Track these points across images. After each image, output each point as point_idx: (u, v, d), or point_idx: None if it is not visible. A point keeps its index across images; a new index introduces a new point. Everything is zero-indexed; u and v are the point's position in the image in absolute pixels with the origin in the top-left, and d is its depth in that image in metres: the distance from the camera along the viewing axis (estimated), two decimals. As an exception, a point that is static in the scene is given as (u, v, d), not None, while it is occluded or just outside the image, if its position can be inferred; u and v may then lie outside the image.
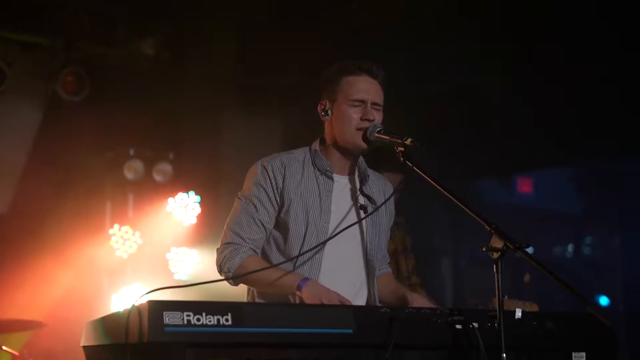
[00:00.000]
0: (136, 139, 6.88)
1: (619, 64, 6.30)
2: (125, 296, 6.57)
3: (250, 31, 6.64)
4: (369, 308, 3.10)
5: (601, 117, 6.84)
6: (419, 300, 3.19)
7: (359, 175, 3.31)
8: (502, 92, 6.87)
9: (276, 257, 3.19)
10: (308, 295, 2.96)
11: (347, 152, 3.24)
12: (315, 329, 2.54)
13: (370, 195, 3.31)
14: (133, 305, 2.41)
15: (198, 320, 2.37)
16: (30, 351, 5.63)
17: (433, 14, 6.12)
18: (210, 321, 2.39)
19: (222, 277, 3.14)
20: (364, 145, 3.17)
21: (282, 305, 2.91)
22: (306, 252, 3.12)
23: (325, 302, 2.91)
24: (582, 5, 5.91)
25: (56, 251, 6.35)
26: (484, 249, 2.64)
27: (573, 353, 2.97)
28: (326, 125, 3.28)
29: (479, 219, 2.73)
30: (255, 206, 3.18)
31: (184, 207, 6.96)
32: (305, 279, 3.03)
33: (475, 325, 2.71)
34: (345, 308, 2.78)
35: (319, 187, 3.21)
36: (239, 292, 3.29)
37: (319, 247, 3.14)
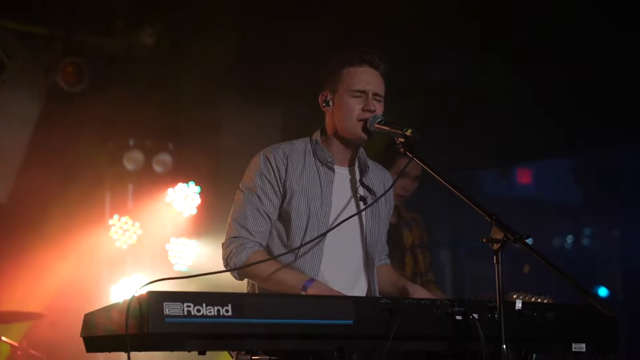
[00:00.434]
0: (136, 129, 6.87)
1: (618, 55, 6.28)
2: (125, 287, 6.57)
3: (250, 21, 6.63)
4: (369, 299, 3.10)
5: (600, 108, 6.84)
6: (419, 292, 3.19)
7: (359, 166, 3.31)
8: (501, 82, 6.86)
9: (278, 249, 3.19)
10: None
11: (348, 143, 3.24)
12: (315, 320, 2.54)
13: (370, 186, 3.31)
14: (133, 296, 2.40)
15: (198, 311, 2.37)
16: (30, 342, 5.64)
17: (433, 5, 6.11)
18: (210, 312, 2.39)
19: (224, 269, 3.14)
20: (364, 135, 3.17)
21: (282, 296, 2.90)
22: (308, 242, 3.12)
23: None
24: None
25: (55, 242, 6.35)
26: (484, 240, 2.64)
27: (573, 344, 2.98)
28: (327, 115, 3.27)
29: (479, 210, 2.73)
30: (259, 198, 3.17)
31: (184, 198, 6.96)
32: (311, 280, 3.02)
33: (476, 316, 2.72)
34: (345, 299, 2.78)
35: (320, 178, 3.21)
36: (239, 283, 3.29)
37: (320, 238, 3.14)
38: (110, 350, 2.57)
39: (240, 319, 2.42)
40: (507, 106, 7.09)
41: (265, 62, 6.76)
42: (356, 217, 3.21)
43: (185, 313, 2.35)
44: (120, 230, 6.76)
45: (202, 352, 2.60)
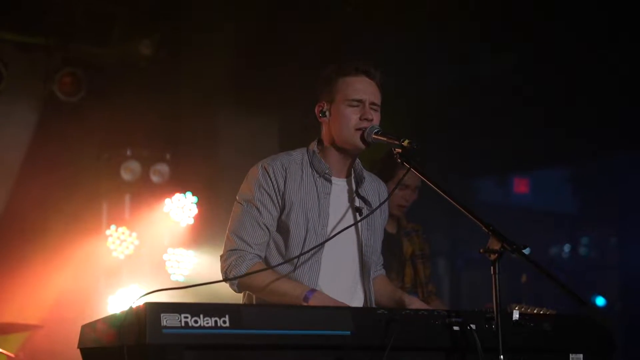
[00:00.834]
0: (133, 139, 6.87)
1: (617, 65, 6.31)
2: (122, 297, 6.56)
3: (247, 32, 6.64)
4: (366, 310, 3.10)
5: (597, 118, 6.86)
6: (415, 304, 3.19)
7: (355, 177, 3.32)
8: (499, 92, 6.88)
9: (276, 260, 3.18)
10: None
11: (345, 153, 3.25)
12: (313, 330, 2.54)
13: (366, 197, 3.32)
14: (130, 307, 2.40)
15: (196, 322, 2.37)
16: (27, 353, 5.63)
17: (429, 14, 6.12)
18: (207, 323, 2.38)
19: (222, 279, 3.13)
20: (362, 145, 3.18)
21: (280, 307, 2.90)
22: (306, 252, 3.12)
23: None
24: (582, 7, 5.91)
25: (53, 252, 6.34)
26: (481, 251, 2.64)
27: (570, 354, 2.97)
28: (324, 126, 3.28)
29: (476, 221, 2.73)
30: (258, 210, 3.17)
31: (181, 208, 6.96)
32: (312, 290, 3.02)
33: (473, 327, 2.71)
34: (343, 310, 2.78)
35: (317, 189, 3.21)
36: (237, 294, 3.28)
37: (318, 249, 3.14)
38: (107, 362, 2.56)
39: (238, 330, 2.42)
40: (504, 116, 7.12)
41: (263, 72, 6.77)
42: (352, 229, 3.21)
43: (183, 324, 2.35)
44: (117, 240, 6.75)
45: (199, 364, 2.60)
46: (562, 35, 6.14)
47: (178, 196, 6.95)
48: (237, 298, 3.31)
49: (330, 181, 3.24)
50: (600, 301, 9.44)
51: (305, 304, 2.97)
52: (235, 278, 3.10)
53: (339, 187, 3.28)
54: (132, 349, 2.37)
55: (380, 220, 3.40)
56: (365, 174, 3.36)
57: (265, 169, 3.19)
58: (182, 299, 2.63)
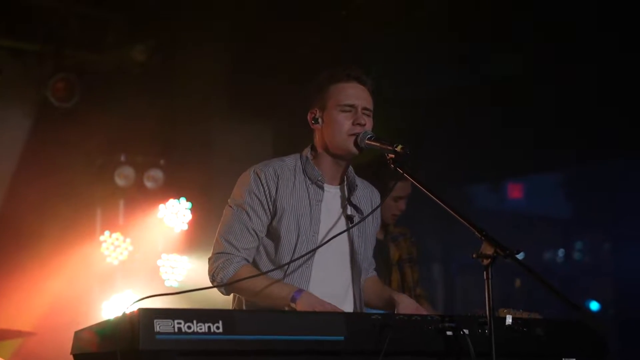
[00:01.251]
0: (127, 145, 6.86)
1: (608, 69, 6.33)
2: (116, 303, 6.55)
3: (241, 39, 6.65)
4: (360, 315, 3.10)
5: (590, 123, 6.88)
6: (405, 301, 3.19)
7: (348, 185, 3.32)
8: (493, 97, 6.89)
9: (266, 266, 3.18)
10: (302, 307, 2.95)
11: (339, 159, 3.25)
12: (307, 336, 2.54)
13: (358, 205, 3.32)
14: (124, 313, 2.40)
15: (189, 328, 2.37)
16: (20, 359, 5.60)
17: (421, 18, 6.13)
18: (201, 329, 2.38)
19: (212, 285, 3.13)
20: (355, 150, 3.18)
21: (273, 312, 2.90)
22: (297, 259, 3.12)
23: None
24: (580, 14, 5.93)
25: (46, 258, 6.32)
26: (474, 256, 2.64)
27: (564, 359, 2.98)
28: (316, 133, 3.28)
29: (469, 226, 2.73)
30: (248, 214, 3.17)
31: (175, 214, 6.95)
32: (300, 291, 3.02)
33: (466, 331, 2.72)
34: (336, 315, 2.78)
35: (309, 196, 3.22)
36: (230, 300, 3.28)
37: (309, 256, 3.14)
38: (100, 368, 2.56)
39: (231, 336, 2.42)
40: (498, 121, 7.13)
41: (256, 78, 6.78)
42: (344, 236, 3.22)
43: (176, 330, 2.35)
44: (111, 246, 6.75)
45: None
46: (558, 39, 6.15)
47: (172, 202, 6.94)
48: (231, 304, 3.31)
49: (322, 188, 3.24)
50: (594, 306, 9.45)
51: (293, 304, 2.97)
52: (228, 284, 3.09)
53: (331, 194, 3.28)
54: (125, 355, 2.37)
55: (372, 227, 3.40)
56: (358, 181, 3.36)
57: (257, 174, 3.20)
58: (176, 304, 2.63)
